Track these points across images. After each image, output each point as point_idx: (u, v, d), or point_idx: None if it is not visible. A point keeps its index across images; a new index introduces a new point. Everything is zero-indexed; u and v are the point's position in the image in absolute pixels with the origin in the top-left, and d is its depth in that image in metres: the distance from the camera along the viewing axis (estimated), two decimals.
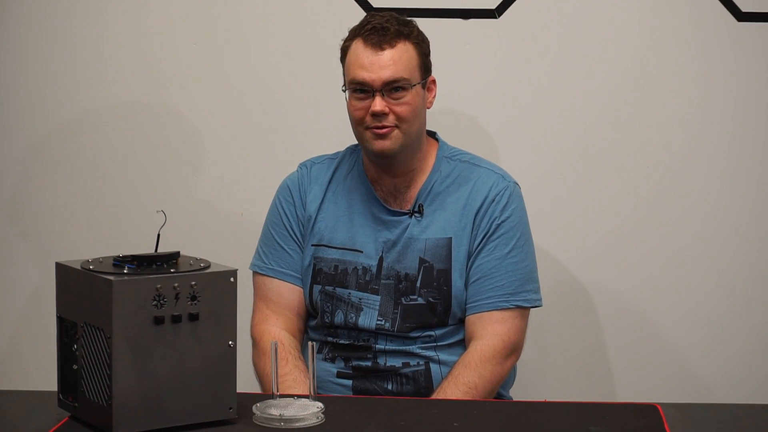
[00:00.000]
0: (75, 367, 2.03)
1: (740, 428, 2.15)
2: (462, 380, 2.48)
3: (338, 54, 3.06)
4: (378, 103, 2.52)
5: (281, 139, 3.13)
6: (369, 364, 2.58)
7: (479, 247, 2.58)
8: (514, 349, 2.56)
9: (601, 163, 3.08)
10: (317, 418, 2.07)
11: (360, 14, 3.04)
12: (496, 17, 3.06)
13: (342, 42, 2.60)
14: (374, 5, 3.05)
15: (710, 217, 3.07)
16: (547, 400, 2.70)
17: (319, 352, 2.62)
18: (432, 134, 2.69)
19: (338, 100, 3.08)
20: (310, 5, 3.09)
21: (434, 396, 2.50)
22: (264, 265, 2.65)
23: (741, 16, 3.01)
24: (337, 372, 2.59)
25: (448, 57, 2.96)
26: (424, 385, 2.57)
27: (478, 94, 3.08)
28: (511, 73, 3.08)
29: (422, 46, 2.59)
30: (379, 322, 2.58)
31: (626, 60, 3.04)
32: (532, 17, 3.05)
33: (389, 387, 2.57)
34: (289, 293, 2.63)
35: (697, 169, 3.07)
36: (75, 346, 2.03)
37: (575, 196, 3.09)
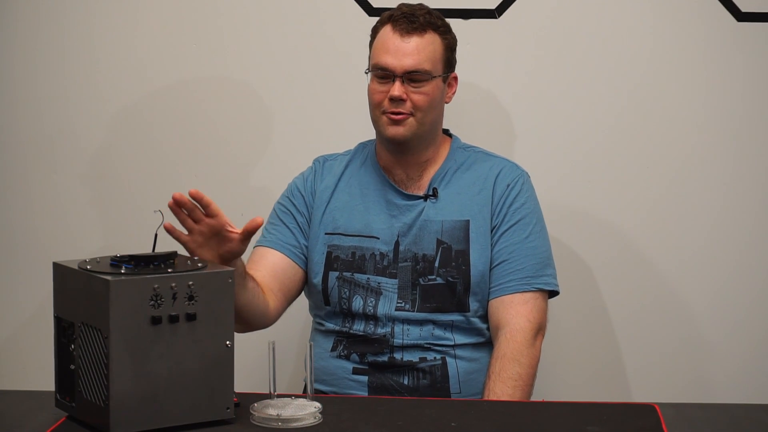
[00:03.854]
0: (72, 367, 2.03)
1: (738, 428, 2.14)
2: (506, 375, 2.51)
3: (336, 56, 3.09)
4: (397, 89, 2.57)
5: (280, 140, 3.13)
6: (385, 359, 2.59)
7: (497, 234, 2.62)
8: (540, 328, 2.60)
9: (602, 164, 3.08)
10: (315, 418, 2.06)
11: (361, 15, 3.04)
12: (496, 17, 3.06)
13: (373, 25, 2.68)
14: (374, 5, 3.05)
15: (715, 219, 3.07)
16: (545, 400, 2.71)
17: (333, 350, 2.63)
18: (446, 131, 2.75)
19: (337, 101, 3.10)
20: (309, 5, 3.09)
21: (485, 398, 2.52)
22: (262, 238, 2.68)
23: (741, 16, 3.01)
24: (353, 368, 2.61)
25: None
26: (440, 379, 2.59)
27: (478, 94, 3.08)
28: (512, 73, 3.08)
29: (449, 40, 2.66)
30: (399, 304, 2.60)
31: (625, 60, 3.04)
32: (532, 17, 3.05)
33: (405, 382, 2.59)
34: (272, 257, 2.64)
35: (699, 169, 3.06)
36: (72, 346, 2.03)
37: (575, 197, 3.09)
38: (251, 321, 2.51)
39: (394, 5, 2.70)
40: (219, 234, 2.27)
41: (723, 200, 3.07)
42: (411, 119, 2.60)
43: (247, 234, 2.27)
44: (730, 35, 3.02)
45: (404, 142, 2.62)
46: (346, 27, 3.07)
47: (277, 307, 2.60)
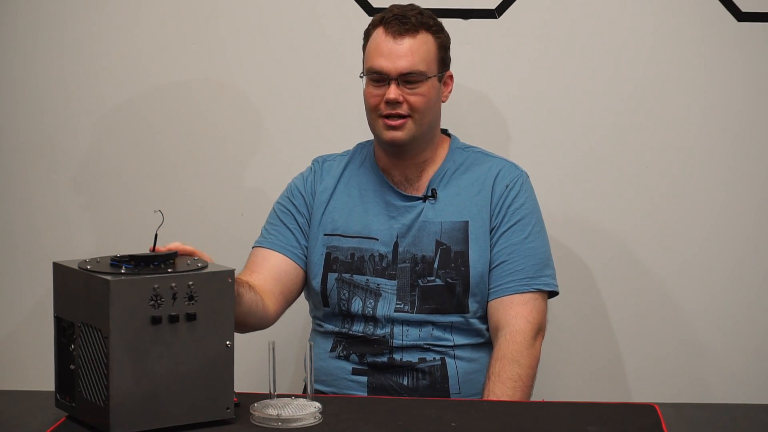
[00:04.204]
0: (72, 367, 2.03)
1: (738, 428, 2.15)
2: (506, 376, 2.51)
3: (335, 56, 3.09)
4: (393, 91, 2.56)
5: (279, 140, 3.13)
6: (385, 359, 2.59)
7: (496, 235, 2.61)
8: (539, 329, 2.60)
9: (602, 164, 3.07)
10: (315, 418, 2.07)
11: (360, 15, 3.04)
12: (496, 17, 3.06)
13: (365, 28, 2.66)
14: (374, 5, 3.05)
15: (714, 219, 3.07)
16: (545, 400, 2.71)
17: (332, 350, 2.63)
18: (444, 131, 2.73)
19: (337, 101, 3.10)
20: (308, 5, 3.09)
21: (484, 398, 2.52)
22: (263, 239, 2.68)
23: (741, 16, 3.01)
24: (353, 369, 2.61)
25: None
26: (440, 380, 2.59)
27: (477, 94, 3.08)
28: (512, 73, 3.08)
29: (443, 39, 2.64)
30: (398, 305, 2.59)
31: (625, 60, 3.04)
32: (532, 17, 3.05)
33: (405, 382, 2.58)
34: (273, 259, 2.64)
35: (699, 169, 3.06)
36: (72, 346, 2.03)
37: (575, 197, 3.09)
38: (250, 326, 2.53)
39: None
40: None
41: (723, 201, 3.07)
42: (409, 122, 2.59)
43: None
44: (730, 35, 3.01)
45: (402, 144, 2.61)
46: (345, 27, 3.07)
47: (276, 309, 2.60)
